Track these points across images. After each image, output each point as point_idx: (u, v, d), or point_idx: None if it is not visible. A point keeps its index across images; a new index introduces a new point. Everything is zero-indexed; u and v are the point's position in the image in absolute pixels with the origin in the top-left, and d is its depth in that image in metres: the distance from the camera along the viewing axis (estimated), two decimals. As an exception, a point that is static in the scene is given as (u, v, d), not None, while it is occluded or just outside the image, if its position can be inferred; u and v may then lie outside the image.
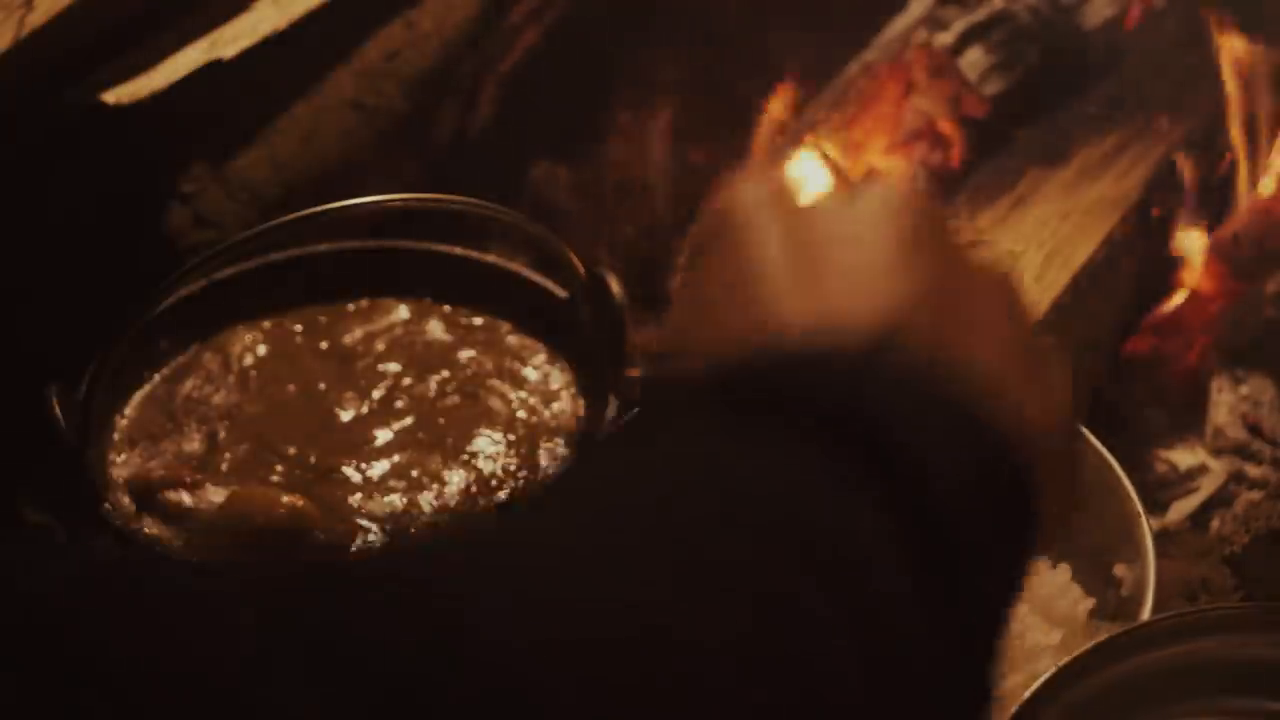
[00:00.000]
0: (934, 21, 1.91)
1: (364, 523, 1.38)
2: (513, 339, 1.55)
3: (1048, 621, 1.16)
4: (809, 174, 1.88)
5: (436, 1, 1.88)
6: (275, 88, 1.76)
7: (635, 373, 1.50)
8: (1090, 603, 1.17)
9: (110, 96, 1.60)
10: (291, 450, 1.44)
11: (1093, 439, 1.24)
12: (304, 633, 0.53)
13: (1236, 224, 1.82)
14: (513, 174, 1.95)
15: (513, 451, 1.44)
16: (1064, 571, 1.19)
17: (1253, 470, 1.66)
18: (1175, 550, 1.53)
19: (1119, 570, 1.18)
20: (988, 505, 0.65)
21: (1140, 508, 1.19)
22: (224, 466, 1.43)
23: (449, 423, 1.47)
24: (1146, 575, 1.16)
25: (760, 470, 0.64)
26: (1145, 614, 1.14)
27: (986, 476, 0.65)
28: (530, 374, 1.52)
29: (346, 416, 1.47)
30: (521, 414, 1.48)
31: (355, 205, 1.42)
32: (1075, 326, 1.65)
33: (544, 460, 1.44)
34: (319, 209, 1.41)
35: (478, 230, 1.82)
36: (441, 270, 1.59)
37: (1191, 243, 1.77)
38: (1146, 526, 1.18)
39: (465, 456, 1.44)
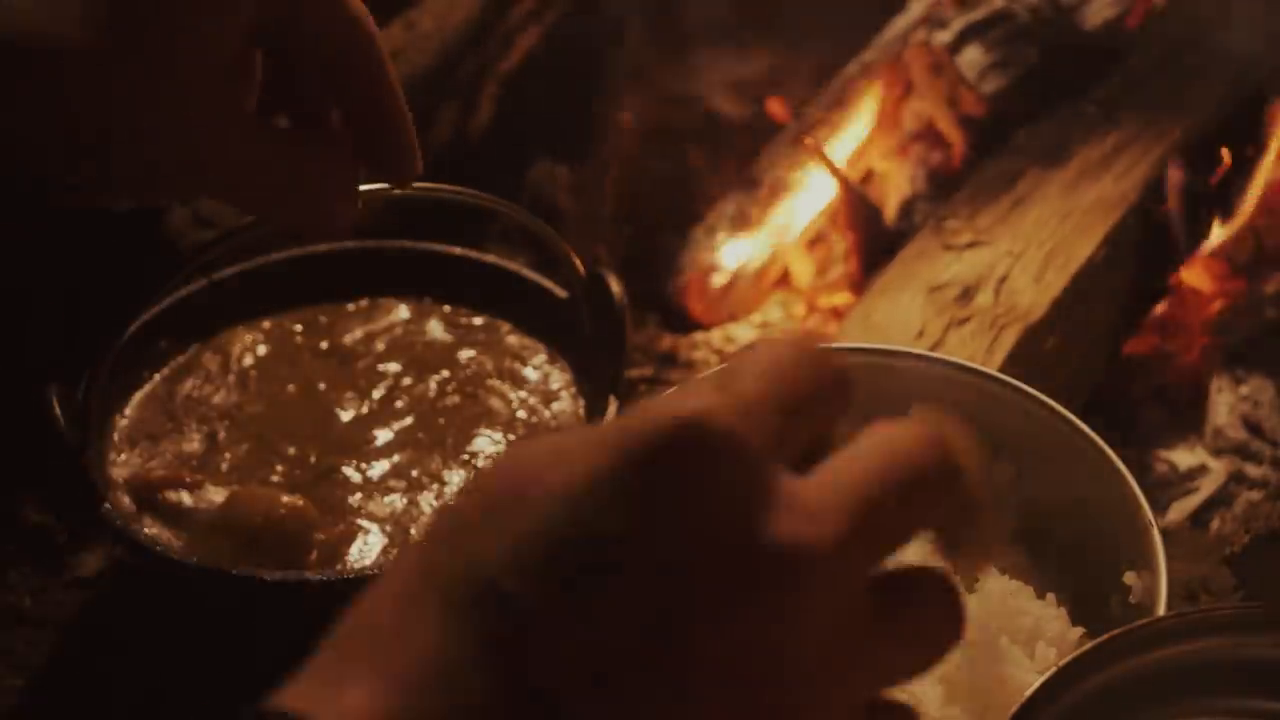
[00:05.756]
0: (933, 21, 1.91)
1: (364, 523, 1.38)
2: (513, 339, 1.55)
3: (1028, 653, 1.15)
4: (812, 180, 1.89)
5: (436, 1, 1.88)
6: (275, 88, 1.76)
7: (635, 372, 1.51)
8: (1080, 630, 1.17)
9: (110, 96, 1.60)
10: (291, 450, 1.44)
11: (1107, 449, 1.23)
12: None
13: (1237, 224, 1.82)
14: (512, 174, 1.95)
15: (513, 451, 1.44)
16: (1050, 600, 1.19)
17: (1253, 470, 1.66)
18: (1175, 550, 1.53)
19: (1128, 579, 1.18)
20: None
21: (1151, 518, 1.18)
22: (224, 466, 1.43)
23: (449, 423, 1.47)
24: (1158, 585, 1.15)
25: None
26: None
27: None
28: (530, 374, 1.52)
29: (346, 416, 1.47)
30: (521, 414, 1.48)
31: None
32: (1075, 326, 1.65)
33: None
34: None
35: (478, 230, 1.82)
36: (441, 270, 1.59)
37: (1191, 242, 1.77)
38: (1158, 539, 1.17)
39: (465, 456, 1.44)
